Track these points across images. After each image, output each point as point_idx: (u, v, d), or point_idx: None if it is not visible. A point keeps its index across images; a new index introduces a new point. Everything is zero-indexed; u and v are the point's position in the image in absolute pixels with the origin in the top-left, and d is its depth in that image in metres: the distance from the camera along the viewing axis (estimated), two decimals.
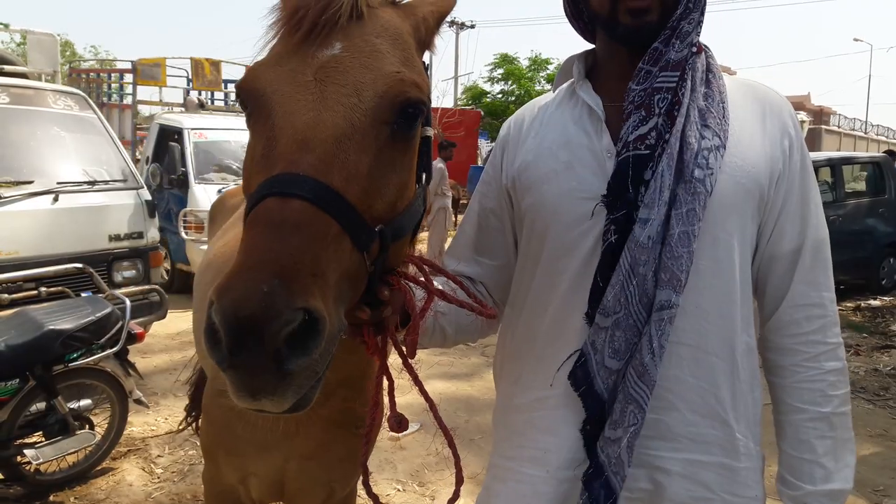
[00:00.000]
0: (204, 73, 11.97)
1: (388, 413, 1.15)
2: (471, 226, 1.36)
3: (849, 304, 7.95)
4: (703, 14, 1.14)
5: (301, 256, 0.81)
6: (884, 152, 10.74)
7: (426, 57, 1.17)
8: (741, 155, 1.11)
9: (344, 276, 0.89)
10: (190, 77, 12.08)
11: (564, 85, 1.28)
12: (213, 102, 12.05)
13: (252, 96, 1.00)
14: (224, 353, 0.78)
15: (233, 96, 11.70)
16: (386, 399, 1.20)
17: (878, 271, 8.72)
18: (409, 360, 1.15)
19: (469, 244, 1.36)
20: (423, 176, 1.13)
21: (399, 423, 1.13)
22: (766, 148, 1.13)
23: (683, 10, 1.11)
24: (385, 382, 1.18)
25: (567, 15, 1.29)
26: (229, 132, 8.29)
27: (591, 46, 1.29)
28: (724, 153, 1.09)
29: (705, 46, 1.19)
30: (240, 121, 7.74)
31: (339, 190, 0.89)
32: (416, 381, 1.18)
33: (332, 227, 0.87)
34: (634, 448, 1.07)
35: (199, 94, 11.80)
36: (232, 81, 12.62)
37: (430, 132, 1.13)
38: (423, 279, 1.15)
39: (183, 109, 9.96)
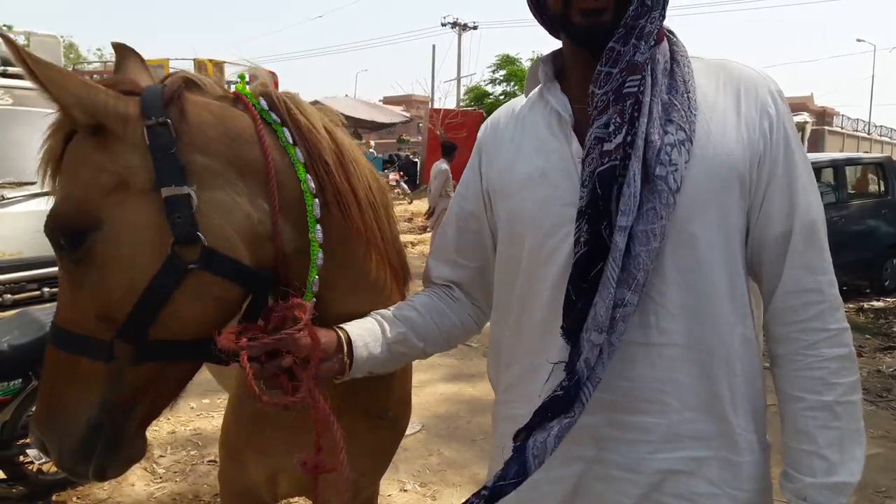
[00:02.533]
0: (207, 73, 11.99)
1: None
2: (451, 228, 1.36)
3: (851, 306, 7.92)
4: (664, 11, 1.09)
5: None
6: None
7: None
8: (713, 145, 1.06)
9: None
10: None
11: (536, 88, 1.25)
12: None
13: None
14: None
15: None
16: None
17: (880, 273, 8.70)
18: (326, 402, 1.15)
19: (450, 246, 1.36)
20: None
21: (315, 467, 1.18)
22: (741, 132, 1.07)
23: (639, 8, 1.05)
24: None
25: (533, 14, 1.24)
26: None
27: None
28: (692, 146, 1.05)
29: (668, 32, 1.12)
30: None
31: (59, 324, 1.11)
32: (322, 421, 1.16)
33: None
34: (562, 440, 1.03)
35: None
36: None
37: (180, 191, 1.07)
38: (304, 328, 1.13)
39: None
